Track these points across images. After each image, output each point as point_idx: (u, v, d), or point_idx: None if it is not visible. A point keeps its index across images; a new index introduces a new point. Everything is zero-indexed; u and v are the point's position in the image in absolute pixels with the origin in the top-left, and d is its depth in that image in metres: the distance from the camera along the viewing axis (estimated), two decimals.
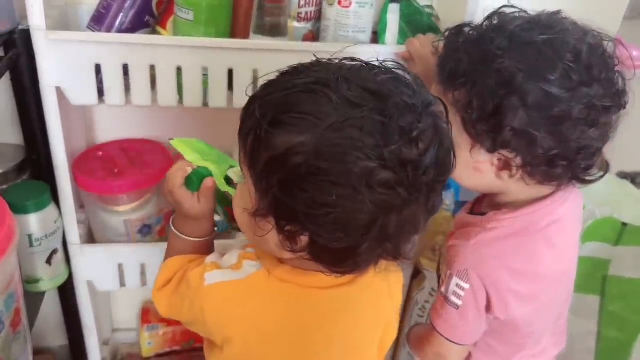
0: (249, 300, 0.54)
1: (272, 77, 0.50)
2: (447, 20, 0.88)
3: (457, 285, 0.62)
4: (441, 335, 0.65)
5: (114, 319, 1.17)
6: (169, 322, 1.06)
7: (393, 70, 0.49)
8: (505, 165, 0.60)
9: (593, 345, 1.22)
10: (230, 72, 0.76)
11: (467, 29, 0.61)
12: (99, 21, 0.74)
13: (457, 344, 0.66)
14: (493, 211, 0.64)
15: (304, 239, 0.47)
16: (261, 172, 0.46)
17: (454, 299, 0.63)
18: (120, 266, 0.89)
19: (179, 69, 0.74)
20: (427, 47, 0.77)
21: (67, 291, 0.97)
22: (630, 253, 1.14)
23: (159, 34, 0.79)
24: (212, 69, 0.75)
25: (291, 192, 0.44)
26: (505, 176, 0.60)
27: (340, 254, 0.47)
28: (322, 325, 0.55)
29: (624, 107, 0.58)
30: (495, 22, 0.59)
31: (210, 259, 0.58)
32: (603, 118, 0.57)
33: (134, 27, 0.75)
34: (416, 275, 1.11)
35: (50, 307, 1.03)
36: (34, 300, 0.84)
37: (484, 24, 0.60)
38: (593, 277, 1.17)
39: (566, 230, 0.66)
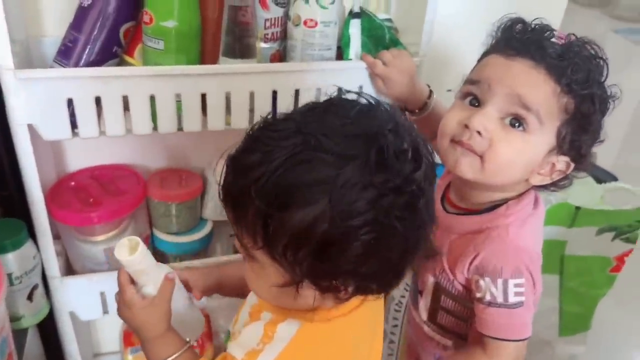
0: (309, 357, 0.53)
1: (240, 157, 0.48)
2: (406, 32, 0.92)
3: (516, 285, 0.63)
4: (514, 341, 0.65)
5: (95, 343, 1.16)
6: None
7: (348, 100, 0.50)
8: (550, 170, 0.65)
9: (556, 321, 1.31)
10: (204, 96, 0.77)
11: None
12: (66, 55, 0.74)
13: (528, 338, 0.66)
14: (502, 207, 0.68)
15: (350, 287, 0.48)
16: (285, 251, 0.45)
17: (517, 299, 0.64)
18: (102, 294, 0.89)
19: (152, 97, 0.75)
20: (391, 67, 0.80)
21: (46, 325, 0.96)
22: (584, 233, 1.22)
23: (127, 63, 0.79)
24: (185, 95, 0.76)
25: (329, 257, 0.45)
26: (540, 178, 0.66)
27: (387, 282, 0.50)
28: (372, 339, 0.59)
29: None
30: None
31: (236, 351, 0.54)
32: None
33: (103, 58, 0.75)
34: None
35: (30, 341, 1.01)
36: (17, 337, 0.83)
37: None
38: (552, 258, 1.25)
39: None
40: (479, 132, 0.62)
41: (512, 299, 0.64)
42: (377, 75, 0.81)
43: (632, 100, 2.88)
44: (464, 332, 0.75)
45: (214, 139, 0.99)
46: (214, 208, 0.98)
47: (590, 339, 1.26)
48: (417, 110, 0.83)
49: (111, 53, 0.76)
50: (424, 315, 0.77)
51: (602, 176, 1.52)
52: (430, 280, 0.74)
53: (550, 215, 1.14)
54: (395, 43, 0.85)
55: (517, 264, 0.64)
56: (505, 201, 0.68)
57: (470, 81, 0.67)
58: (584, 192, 1.21)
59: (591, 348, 1.21)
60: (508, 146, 0.62)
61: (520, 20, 0.66)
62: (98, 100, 0.73)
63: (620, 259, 1.21)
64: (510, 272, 0.64)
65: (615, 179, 1.30)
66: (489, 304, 0.65)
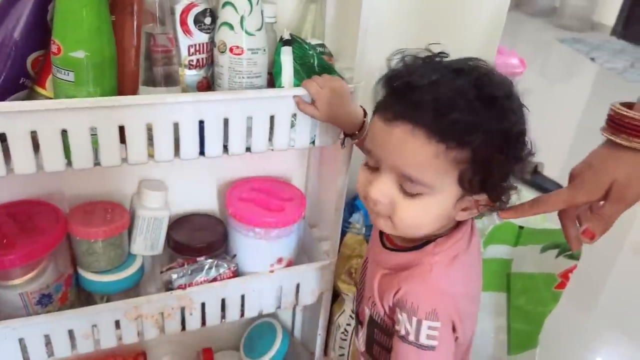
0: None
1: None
2: (340, 57, 0.89)
3: (429, 327, 0.62)
4: None
5: None
6: None
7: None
8: (474, 205, 0.63)
9: (505, 338, 1.31)
10: (122, 128, 0.72)
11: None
12: None
13: None
14: (430, 244, 0.66)
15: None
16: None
17: (429, 342, 0.62)
18: (21, 341, 0.82)
19: (64, 131, 0.70)
20: (325, 88, 0.77)
21: None
22: (528, 251, 1.22)
23: (38, 94, 0.73)
24: (100, 129, 0.71)
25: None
26: (467, 213, 0.63)
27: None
28: None
29: None
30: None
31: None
32: None
33: (8, 91, 0.69)
34: (335, 298, 1.12)
35: None
36: None
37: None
38: (499, 276, 1.25)
39: (477, 241, 0.71)
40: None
41: (423, 340, 0.63)
42: (311, 96, 0.78)
43: (577, 109, 2.97)
44: None
45: (139, 168, 0.94)
46: (143, 243, 0.93)
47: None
48: (356, 132, 0.81)
49: (18, 85, 0.70)
50: (362, 347, 0.77)
51: (549, 186, 1.52)
52: (367, 312, 0.73)
53: (494, 235, 1.14)
54: (327, 70, 0.83)
55: (435, 306, 0.62)
56: (435, 237, 0.66)
57: (365, 150, 0.67)
58: None
59: None
60: (410, 211, 0.62)
61: (398, 73, 0.62)
62: (3, 137, 0.67)
63: (565, 276, 1.22)
64: (425, 314, 0.62)
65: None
66: (402, 338, 0.64)
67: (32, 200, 0.86)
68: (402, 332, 0.64)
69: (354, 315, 1.09)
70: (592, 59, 3.66)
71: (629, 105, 0.62)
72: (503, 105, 0.58)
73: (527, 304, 1.28)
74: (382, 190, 0.61)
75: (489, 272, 1.19)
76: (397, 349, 0.65)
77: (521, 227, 1.18)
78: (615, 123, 0.61)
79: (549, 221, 1.18)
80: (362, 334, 0.77)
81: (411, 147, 0.58)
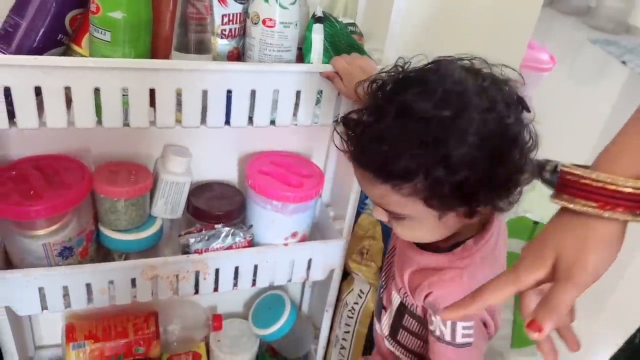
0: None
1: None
2: (371, 37, 0.89)
3: (464, 327, 0.64)
4: None
5: (37, 335, 1.12)
6: (95, 339, 1.03)
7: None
8: (474, 212, 0.60)
9: (509, 332, 1.32)
10: (152, 91, 0.74)
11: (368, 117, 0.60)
12: (6, 40, 0.69)
13: None
14: (459, 247, 0.66)
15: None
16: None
17: (465, 340, 0.64)
18: (40, 290, 0.86)
19: (96, 90, 0.71)
20: (353, 65, 0.78)
21: None
22: None
23: (74, 52, 0.75)
24: (132, 90, 0.73)
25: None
26: (472, 219, 0.61)
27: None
28: None
29: None
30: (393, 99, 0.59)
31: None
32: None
33: (46, 46, 0.71)
34: (345, 277, 1.14)
35: None
36: None
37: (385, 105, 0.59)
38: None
39: (504, 233, 0.71)
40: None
41: (459, 339, 0.65)
42: (338, 73, 0.78)
43: (604, 111, 2.93)
44: (422, 352, 0.75)
45: (167, 131, 0.96)
46: (163, 206, 0.95)
47: None
48: None
49: (56, 41, 0.72)
50: (386, 331, 0.79)
51: None
52: (396, 298, 0.75)
53: (508, 228, 1.15)
54: (357, 49, 0.83)
55: None
56: (464, 239, 0.66)
57: None
58: (544, 206, 1.21)
59: None
60: (403, 231, 0.66)
61: (349, 121, 0.63)
62: (38, 90, 0.69)
63: None
64: None
65: None
66: (438, 339, 0.67)
67: (60, 155, 0.88)
68: (437, 333, 0.66)
69: (362, 295, 1.11)
70: (624, 62, 3.59)
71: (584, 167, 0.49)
72: (448, 129, 0.55)
73: None
74: (378, 215, 0.67)
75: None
76: (434, 349, 0.68)
77: (536, 223, 1.18)
78: (571, 186, 0.47)
79: None
80: (387, 319, 0.78)
81: (369, 186, 0.62)
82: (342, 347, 1.14)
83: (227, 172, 1.07)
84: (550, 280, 0.47)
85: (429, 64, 0.61)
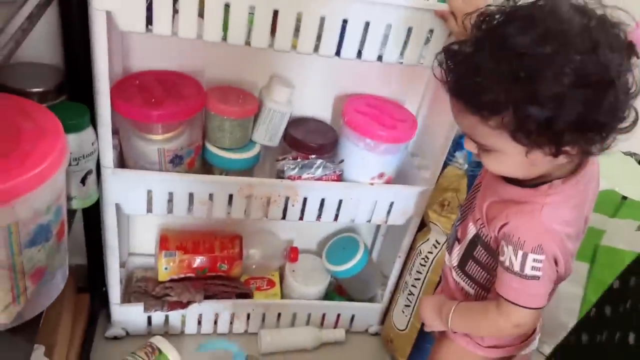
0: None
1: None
2: None
3: (534, 260, 0.66)
4: (524, 307, 0.68)
5: (131, 243, 1.22)
6: (185, 250, 1.11)
7: None
8: (560, 152, 0.61)
9: (577, 307, 1.30)
10: (276, 14, 0.78)
11: (469, 47, 0.62)
12: None
13: (540, 308, 0.69)
14: (546, 184, 0.67)
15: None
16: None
17: (533, 272, 0.66)
18: (149, 192, 0.93)
19: (227, 5, 0.76)
20: (470, 5, 0.79)
21: (91, 212, 1.02)
22: (626, 226, 1.20)
23: None
24: (258, 8, 0.77)
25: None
26: (562, 159, 0.62)
27: None
28: None
29: None
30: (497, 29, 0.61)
31: None
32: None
33: None
34: (422, 227, 1.17)
35: (75, 224, 1.07)
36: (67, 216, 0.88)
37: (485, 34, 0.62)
38: (585, 245, 1.22)
39: (594, 186, 0.72)
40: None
41: (528, 271, 0.67)
42: (453, 12, 0.80)
43: None
44: (487, 285, 0.77)
45: (275, 63, 1.01)
46: (264, 132, 1.00)
47: None
48: None
49: None
50: (455, 262, 0.81)
51: None
52: (472, 230, 0.77)
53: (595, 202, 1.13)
54: None
55: (542, 242, 0.66)
56: (553, 178, 0.67)
57: None
58: (635, 182, 1.17)
59: None
60: (489, 162, 0.67)
61: (450, 50, 0.64)
62: (175, 0, 0.75)
63: None
64: (532, 248, 0.66)
65: None
66: (507, 269, 0.68)
67: (179, 72, 0.95)
68: (507, 264, 0.68)
69: (438, 246, 1.13)
70: None
71: None
72: (541, 66, 0.56)
73: (609, 279, 1.26)
74: (468, 146, 0.68)
75: None
76: (501, 278, 0.70)
77: (624, 198, 1.16)
78: None
79: None
80: (459, 249, 0.81)
81: (460, 116, 0.64)
82: (411, 293, 1.17)
83: (322, 109, 1.11)
84: None
85: (538, 0, 0.61)
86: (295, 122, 1.05)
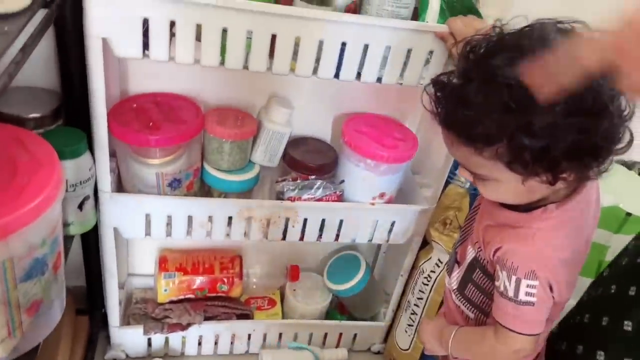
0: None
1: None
2: (488, 2, 0.89)
3: (528, 285, 0.65)
4: (520, 334, 0.67)
5: (130, 263, 1.21)
6: (185, 272, 1.10)
7: None
8: (557, 179, 0.60)
9: None
10: (274, 37, 0.77)
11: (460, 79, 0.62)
12: None
13: (536, 335, 0.68)
14: (539, 209, 0.66)
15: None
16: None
17: (527, 298, 0.65)
18: (147, 216, 0.92)
19: (224, 30, 0.75)
20: (469, 28, 0.78)
21: (89, 236, 1.01)
22: (629, 241, 1.18)
23: None
24: (256, 33, 0.76)
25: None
26: (559, 184, 0.61)
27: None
28: None
29: None
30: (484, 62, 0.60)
31: None
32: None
33: None
34: (424, 245, 1.15)
35: (73, 249, 1.06)
36: (64, 243, 0.87)
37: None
38: (589, 260, 1.21)
39: (595, 201, 0.71)
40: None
41: (522, 297, 0.66)
42: (452, 34, 0.79)
43: None
44: (486, 309, 0.77)
45: (273, 84, 1.00)
46: (263, 153, 0.99)
47: None
48: None
49: None
50: (454, 285, 0.81)
51: None
52: (471, 253, 0.76)
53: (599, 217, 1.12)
54: (475, 13, 0.83)
55: (535, 267, 0.65)
56: (548, 202, 0.66)
57: None
58: (638, 198, 1.16)
59: None
60: (486, 190, 0.67)
61: (438, 82, 0.64)
62: (172, 25, 0.74)
63: None
64: (525, 273, 0.65)
65: None
66: (502, 294, 0.68)
67: (177, 94, 0.94)
68: (502, 289, 0.67)
69: (440, 265, 1.12)
70: None
71: None
72: (532, 96, 0.53)
73: None
74: (462, 174, 0.68)
75: None
76: (497, 303, 0.69)
77: (628, 214, 1.15)
78: None
79: None
80: (458, 273, 0.80)
81: (453, 147, 0.64)
82: (413, 313, 1.16)
83: (322, 128, 1.10)
84: None
85: (525, 27, 0.61)
86: (295, 142, 1.04)
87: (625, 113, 0.59)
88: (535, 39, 0.58)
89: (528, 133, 0.56)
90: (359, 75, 0.85)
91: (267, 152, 1.00)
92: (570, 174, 0.60)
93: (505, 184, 0.63)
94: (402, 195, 1.10)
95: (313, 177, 0.99)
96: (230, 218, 0.96)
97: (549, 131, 0.56)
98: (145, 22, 0.73)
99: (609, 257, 1.23)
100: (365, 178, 1.00)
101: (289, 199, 0.97)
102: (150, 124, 0.86)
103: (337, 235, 1.05)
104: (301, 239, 1.03)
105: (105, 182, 0.87)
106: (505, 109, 0.56)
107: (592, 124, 0.56)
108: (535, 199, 0.66)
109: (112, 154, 0.93)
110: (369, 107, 1.08)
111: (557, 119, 0.55)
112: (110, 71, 0.88)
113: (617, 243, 1.20)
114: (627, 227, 1.18)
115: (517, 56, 0.56)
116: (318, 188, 0.98)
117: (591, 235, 0.73)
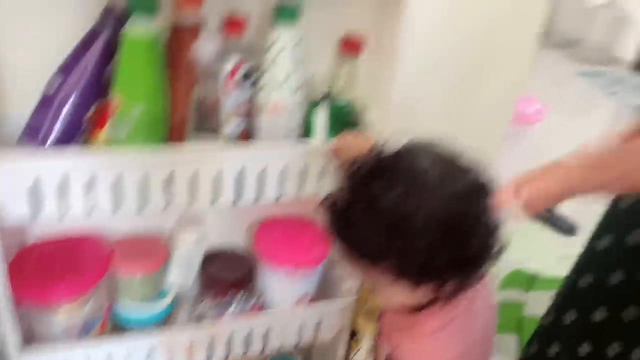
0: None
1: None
2: (371, 107, 0.94)
3: None
4: None
5: None
6: None
7: None
8: (443, 286, 0.66)
9: None
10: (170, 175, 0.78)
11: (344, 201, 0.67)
12: (30, 137, 0.74)
13: None
14: (424, 310, 0.70)
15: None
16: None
17: None
18: None
19: (117, 179, 0.76)
20: (355, 146, 0.82)
21: None
22: (542, 296, 1.26)
23: (94, 143, 0.79)
24: (150, 177, 0.77)
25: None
26: (446, 287, 0.66)
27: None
28: None
29: None
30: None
31: None
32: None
33: (69, 139, 0.76)
34: (353, 336, 1.17)
35: None
36: None
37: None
38: (510, 319, 1.28)
39: (483, 295, 0.74)
40: None
41: None
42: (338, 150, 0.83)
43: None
44: None
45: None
46: (178, 276, 0.98)
47: None
48: None
49: (77, 134, 0.77)
50: None
51: (562, 224, 1.54)
52: (387, 349, 0.78)
53: (505, 281, 1.18)
54: (357, 125, 0.88)
55: None
56: (432, 304, 0.70)
57: None
58: (540, 255, 1.25)
59: None
60: (381, 298, 0.72)
61: (329, 202, 0.70)
62: (62, 182, 0.73)
63: None
64: None
65: (573, 231, 1.34)
66: None
67: (78, 237, 0.92)
68: None
69: (370, 353, 1.13)
70: (613, 94, 3.68)
71: None
72: (409, 219, 0.61)
73: None
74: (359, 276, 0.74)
75: (499, 315, 1.22)
76: None
77: (533, 276, 1.22)
78: None
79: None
80: None
81: (346, 259, 0.68)
82: None
83: (236, 238, 1.10)
84: None
85: (401, 149, 0.67)
86: (209, 257, 1.04)
87: (495, 224, 0.65)
88: (407, 163, 0.65)
89: (409, 253, 0.62)
90: (257, 199, 0.87)
91: (181, 275, 0.98)
92: (454, 281, 0.65)
93: (398, 291, 0.67)
94: (323, 288, 1.11)
95: (231, 292, 0.99)
96: (150, 349, 0.93)
97: (428, 250, 0.61)
98: (34, 185, 0.72)
99: (527, 312, 1.29)
100: (285, 284, 1.01)
101: (209, 320, 0.96)
102: (52, 276, 0.84)
103: (264, 345, 1.04)
104: (226, 358, 1.01)
105: (13, 340, 0.82)
106: (387, 232, 0.62)
107: (468, 238, 0.63)
108: (426, 300, 0.70)
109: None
110: (282, 208, 1.10)
111: (434, 237, 0.61)
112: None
113: (531, 299, 1.27)
114: (536, 285, 1.26)
115: (392, 183, 0.62)
116: (238, 303, 0.98)
117: (489, 319, 0.78)
